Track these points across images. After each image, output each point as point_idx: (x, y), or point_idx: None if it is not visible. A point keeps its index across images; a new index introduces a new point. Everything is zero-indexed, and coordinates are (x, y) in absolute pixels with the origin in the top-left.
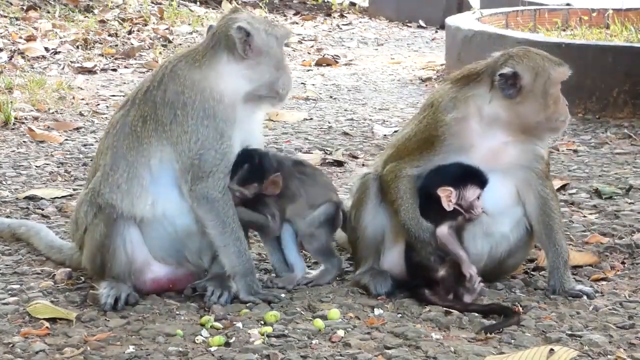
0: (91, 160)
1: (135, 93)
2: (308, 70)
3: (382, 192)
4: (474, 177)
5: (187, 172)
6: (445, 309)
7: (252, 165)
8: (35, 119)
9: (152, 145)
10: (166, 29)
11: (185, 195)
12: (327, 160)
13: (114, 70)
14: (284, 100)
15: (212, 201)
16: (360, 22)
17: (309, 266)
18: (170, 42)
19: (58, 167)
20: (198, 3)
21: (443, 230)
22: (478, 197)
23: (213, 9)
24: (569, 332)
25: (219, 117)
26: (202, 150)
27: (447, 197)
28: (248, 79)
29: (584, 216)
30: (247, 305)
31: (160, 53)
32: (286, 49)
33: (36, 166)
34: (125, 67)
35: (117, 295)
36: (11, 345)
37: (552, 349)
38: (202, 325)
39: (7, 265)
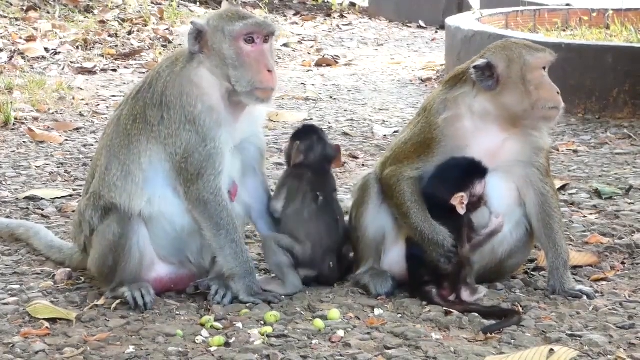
0: (91, 160)
1: (128, 95)
2: (308, 71)
3: (384, 195)
4: (476, 171)
5: (180, 175)
6: (445, 308)
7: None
8: (35, 119)
9: (141, 143)
10: (166, 29)
11: (182, 197)
12: None
13: (114, 70)
14: (256, 100)
15: (205, 203)
16: (360, 22)
17: None
18: (170, 42)
19: (58, 167)
20: (198, 3)
21: (466, 247)
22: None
23: (213, 9)
24: (569, 332)
25: (198, 123)
26: (187, 154)
27: (460, 202)
28: (215, 77)
29: (584, 216)
30: (247, 305)
31: (160, 53)
32: (263, 46)
33: (36, 166)
34: (125, 67)
35: (142, 293)
36: (11, 345)
37: (552, 349)
38: (202, 325)
39: (7, 265)
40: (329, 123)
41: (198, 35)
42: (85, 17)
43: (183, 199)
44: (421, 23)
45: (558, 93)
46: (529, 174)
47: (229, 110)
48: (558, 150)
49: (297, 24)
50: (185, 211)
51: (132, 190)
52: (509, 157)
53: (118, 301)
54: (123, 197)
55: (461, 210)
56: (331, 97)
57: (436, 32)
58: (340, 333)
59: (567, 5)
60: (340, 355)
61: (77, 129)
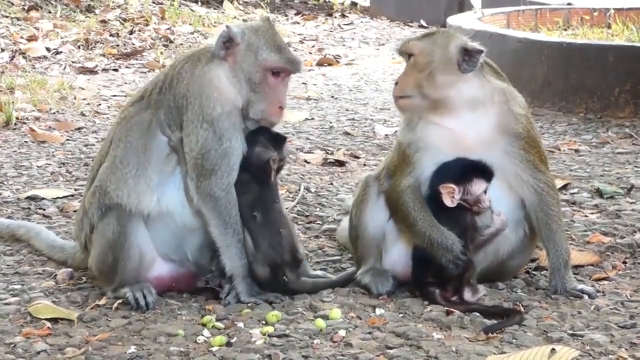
0: (92, 160)
1: (150, 91)
2: (309, 70)
3: (390, 213)
4: (478, 170)
5: (193, 170)
6: (446, 308)
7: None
8: (37, 119)
9: (165, 147)
10: (167, 29)
11: (192, 192)
12: (328, 160)
13: (115, 70)
14: (258, 123)
15: (215, 199)
16: (361, 21)
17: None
18: (171, 42)
19: (59, 167)
20: (199, 3)
21: (470, 248)
22: (485, 191)
23: (214, 9)
24: (571, 332)
25: (216, 124)
26: (203, 151)
27: (449, 193)
28: (232, 85)
29: (586, 216)
30: (249, 305)
31: (161, 53)
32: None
33: (37, 166)
34: (127, 67)
35: (144, 293)
36: (13, 345)
37: (553, 349)
38: (204, 325)
39: (8, 265)
40: (330, 122)
41: (229, 41)
42: (86, 17)
43: (193, 194)
44: (422, 22)
45: (396, 84)
46: (518, 171)
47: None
48: (559, 150)
49: (298, 23)
50: (191, 207)
51: (142, 190)
52: (478, 136)
53: (119, 301)
54: (132, 196)
55: (448, 202)
56: (332, 97)
57: None
58: (342, 333)
59: (569, 4)
60: (342, 355)
61: (79, 129)
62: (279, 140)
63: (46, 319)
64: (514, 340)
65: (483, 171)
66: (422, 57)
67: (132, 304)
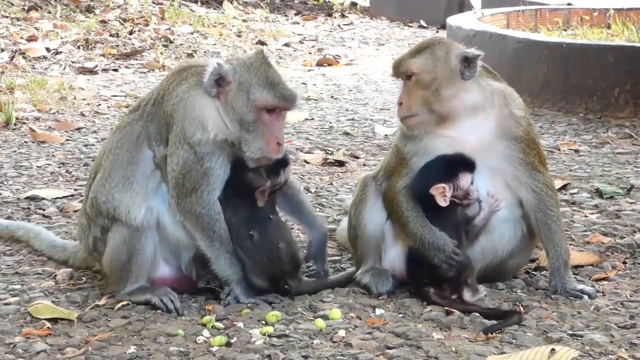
0: (92, 160)
1: (147, 101)
2: (309, 70)
3: (387, 213)
4: (461, 164)
5: (174, 189)
6: (446, 308)
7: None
8: (37, 119)
9: (150, 163)
10: (167, 29)
11: (174, 210)
12: (328, 160)
13: (115, 70)
14: (257, 162)
15: (196, 216)
16: (361, 22)
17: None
18: (171, 42)
19: (59, 167)
20: (199, 3)
21: (464, 243)
22: (471, 182)
23: (214, 9)
24: (570, 332)
25: (196, 147)
26: (184, 171)
27: (441, 193)
28: (221, 119)
29: (585, 216)
30: (248, 305)
31: (161, 53)
32: (268, 115)
33: (37, 166)
34: (127, 67)
35: (170, 298)
36: (12, 345)
37: (553, 349)
38: (204, 325)
39: (8, 265)
40: (330, 123)
41: (221, 79)
42: (86, 17)
43: (175, 211)
44: (422, 23)
45: (399, 103)
46: (517, 173)
47: (226, 141)
48: (559, 150)
49: (298, 23)
50: (177, 224)
51: (129, 202)
52: (478, 147)
53: (124, 303)
54: (121, 207)
55: (442, 202)
56: (332, 97)
57: (437, 31)
58: (342, 333)
59: (569, 4)
60: (342, 355)
61: (79, 129)
62: (278, 166)
63: (46, 319)
64: (513, 341)
65: (466, 163)
66: (424, 75)
67: (162, 308)
